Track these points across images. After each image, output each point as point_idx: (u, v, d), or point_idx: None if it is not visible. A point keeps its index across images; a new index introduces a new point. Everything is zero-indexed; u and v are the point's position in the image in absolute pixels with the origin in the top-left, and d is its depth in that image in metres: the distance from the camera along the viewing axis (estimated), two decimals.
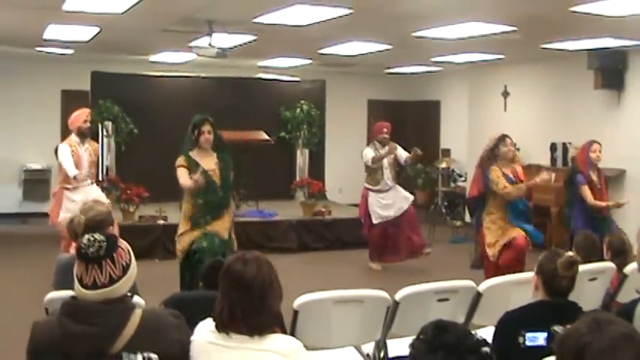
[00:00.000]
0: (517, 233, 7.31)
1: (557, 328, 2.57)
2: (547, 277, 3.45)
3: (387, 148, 9.59)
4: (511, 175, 7.40)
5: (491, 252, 7.37)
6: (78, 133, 8.33)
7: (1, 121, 13.45)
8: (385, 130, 9.70)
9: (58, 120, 13.86)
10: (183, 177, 6.43)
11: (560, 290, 3.45)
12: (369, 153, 9.61)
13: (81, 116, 8.45)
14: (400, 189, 9.93)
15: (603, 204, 7.67)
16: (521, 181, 7.44)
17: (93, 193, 8.22)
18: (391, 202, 9.79)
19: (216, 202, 6.58)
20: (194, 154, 6.58)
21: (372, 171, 9.72)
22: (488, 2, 7.18)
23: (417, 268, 9.77)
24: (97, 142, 11.59)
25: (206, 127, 6.54)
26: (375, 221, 9.70)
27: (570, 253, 3.53)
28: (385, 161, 9.64)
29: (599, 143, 7.81)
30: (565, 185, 8.26)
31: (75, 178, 8.08)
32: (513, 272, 6.33)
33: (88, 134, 8.50)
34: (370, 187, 9.77)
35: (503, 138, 7.46)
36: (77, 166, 8.13)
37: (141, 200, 10.59)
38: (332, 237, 11.35)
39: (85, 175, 8.21)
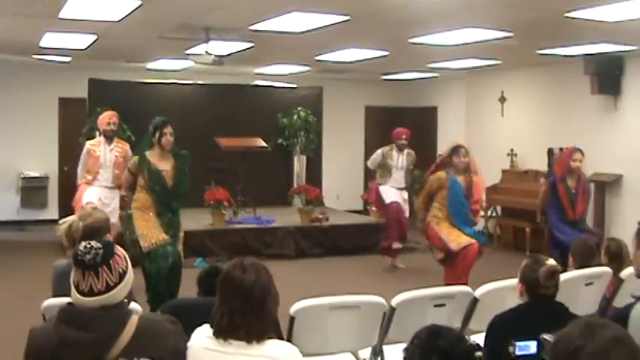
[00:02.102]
0: (467, 241, 7.52)
1: (547, 337, 2.60)
2: (530, 286, 3.57)
3: (405, 152, 10.21)
4: (463, 184, 7.56)
5: (455, 244, 7.53)
6: (104, 135, 8.63)
7: None
8: (404, 136, 10.19)
9: (55, 127, 13.89)
10: (126, 183, 7.01)
11: (545, 296, 3.57)
12: (378, 154, 10.29)
13: (104, 119, 8.66)
14: (406, 195, 10.36)
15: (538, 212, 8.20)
16: (471, 193, 7.64)
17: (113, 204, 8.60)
18: (406, 201, 10.34)
19: (163, 203, 6.72)
20: (150, 154, 6.72)
21: (382, 168, 10.24)
22: (484, 8, 7.19)
23: (413, 274, 9.78)
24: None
25: (168, 129, 6.70)
26: (387, 201, 10.13)
27: (551, 262, 3.63)
28: (399, 163, 10.19)
29: (582, 152, 7.91)
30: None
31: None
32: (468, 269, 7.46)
33: (113, 136, 8.67)
34: (380, 182, 10.32)
35: (456, 149, 7.60)
36: (95, 165, 8.54)
37: None
38: (329, 243, 11.35)
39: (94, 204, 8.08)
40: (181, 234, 7.01)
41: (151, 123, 6.88)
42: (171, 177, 6.69)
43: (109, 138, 8.62)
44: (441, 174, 7.61)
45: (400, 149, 10.19)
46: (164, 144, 6.69)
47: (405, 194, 10.40)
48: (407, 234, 10.37)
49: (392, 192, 10.18)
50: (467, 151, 7.56)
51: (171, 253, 6.59)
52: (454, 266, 7.65)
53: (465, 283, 6.90)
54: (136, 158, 6.79)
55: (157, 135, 6.69)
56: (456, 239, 7.56)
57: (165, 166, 6.71)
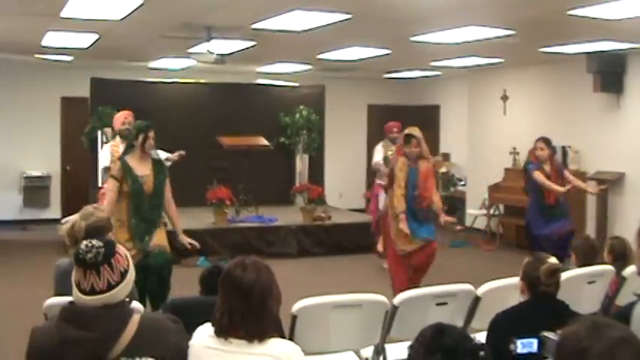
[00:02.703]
0: (414, 247, 7.52)
1: (548, 334, 2.59)
2: (531, 284, 3.60)
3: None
4: (415, 172, 7.59)
5: (401, 245, 7.53)
6: (119, 135, 8.44)
7: (0, 127, 13.46)
8: (395, 129, 9.87)
9: (57, 127, 13.91)
10: (110, 191, 6.48)
11: (546, 293, 3.59)
12: (378, 155, 9.98)
13: (119, 118, 8.52)
14: None
15: (559, 189, 8.29)
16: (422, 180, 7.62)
17: None
18: None
19: (145, 209, 6.53)
20: (129, 158, 6.59)
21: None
22: (486, 6, 7.18)
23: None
24: (98, 150, 11.64)
25: (151, 134, 6.61)
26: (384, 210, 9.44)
27: (553, 260, 3.62)
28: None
29: (544, 141, 8.56)
30: (524, 179, 9.05)
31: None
32: (421, 272, 7.63)
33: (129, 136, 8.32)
34: (383, 183, 9.49)
35: (408, 138, 7.64)
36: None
37: None
38: (332, 242, 11.34)
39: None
40: (185, 240, 6.79)
41: (134, 126, 6.91)
42: (151, 182, 6.56)
43: (125, 138, 8.15)
44: (404, 158, 7.63)
45: (393, 143, 9.47)
46: (147, 148, 6.62)
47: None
48: None
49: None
50: (418, 141, 7.62)
51: (146, 265, 6.33)
52: (403, 268, 7.68)
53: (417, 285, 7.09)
54: (118, 163, 6.59)
55: (141, 139, 6.59)
56: (403, 244, 7.55)
57: (144, 170, 6.58)
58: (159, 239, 6.55)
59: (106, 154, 8.49)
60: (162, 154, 8.44)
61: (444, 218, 7.64)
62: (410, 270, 7.63)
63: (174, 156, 8.77)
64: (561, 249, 7.35)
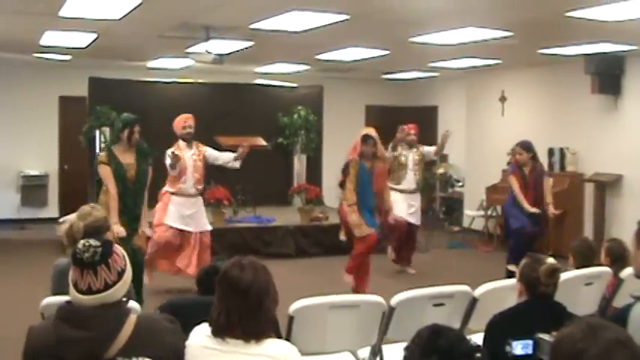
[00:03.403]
0: (369, 231, 8.02)
1: (543, 336, 2.60)
2: (530, 285, 3.59)
3: (414, 150, 9.77)
4: (370, 171, 8.05)
5: (358, 232, 8.00)
6: (182, 139, 8.22)
7: None
8: (413, 131, 9.80)
9: (55, 126, 13.90)
10: (110, 180, 6.94)
11: (544, 294, 3.58)
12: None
13: (179, 123, 8.28)
14: (418, 200, 9.95)
15: (528, 207, 8.66)
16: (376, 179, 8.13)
17: (196, 207, 8.32)
18: (415, 209, 9.85)
19: (129, 194, 7.00)
20: (115, 148, 7.09)
21: (396, 168, 9.68)
22: (484, 8, 7.18)
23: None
24: (96, 149, 11.64)
25: (137, 128, 7.07)
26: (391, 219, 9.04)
27: (551, 261, 3.61)
28: (410, 162, 9.72)
29: (522, 146, 8.89)
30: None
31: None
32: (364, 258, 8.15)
33: (191, 139, 8.26)
34: (392, 185, 9.45)
35: (365, 139, 8.03)
36: (182, 172, 8.09)
37: None
38: (329, 243, 11.32)
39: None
40: (145, 230, 7.23)
41: (121, 119, 7.28)
42: (134, 169, 7.02)
43: (188, 142, 8.22)
44: (356, 158, 8.04)
45: (410, 147, 9.72)
46: (133, 142, 7.06)
47: (417, 199, 9.90)
48: (414, 247, 10.17)
49: (399, 204, 9.43)
50: (375, 141, 7.99)
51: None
52: (355, 253, 8.14)
53: (366, 272, 8.19)
54: (104, 154, 7.10)
55: (127, 132, 7.04)
56: (359, 227, 7.98)
57: (128, 159, 7.04)
58: (138, 240, 7.04)
59: (170, 160, 8.05)
60: (223, 156, 8.56)
61: (390, 217, 8.48)
62: (358, 255, 8.16)
63: (241, 153, 8.47)
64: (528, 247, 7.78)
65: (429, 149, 9.95)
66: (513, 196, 8.86)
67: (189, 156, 8.19)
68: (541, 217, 8.76)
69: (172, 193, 8.19)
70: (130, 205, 6.95)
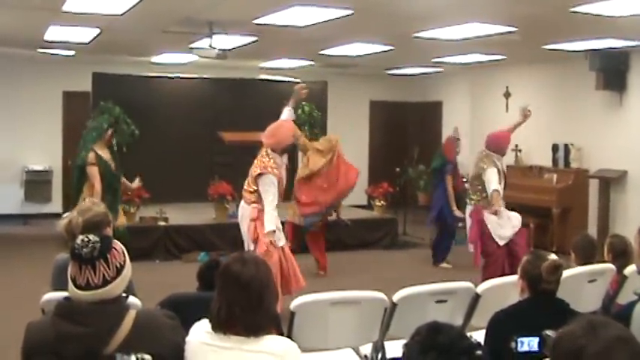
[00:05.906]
0: None
1: (550, 333, 2.58)
2: (532, 282, 3.56)
3: (502, 161, 8.32)
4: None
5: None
6: (281, 151, 7.00)
7: (2, 122, 13.45)
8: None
9: (59, 121, 13.89)
10: (97, 179, 7.80)
11: (546, 291, 3.55)
12: (494, 177, 7.98)
13: (289, 132, 7.25)
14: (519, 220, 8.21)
15: (457, 212, 10.18)
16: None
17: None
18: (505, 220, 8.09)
19: (115, 187, 8.10)
20: (97, 147, 7.96)
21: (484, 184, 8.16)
22: (488, 3, 7.16)
23: (415, 270, 9.77)
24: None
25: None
26: (500, 242, 7.93)
27: (554, 257, 3.59)
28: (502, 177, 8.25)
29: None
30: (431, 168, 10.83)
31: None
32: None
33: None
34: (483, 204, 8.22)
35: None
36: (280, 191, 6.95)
37: (142, 201, 10.55)
38: (332, 238, 11.30)
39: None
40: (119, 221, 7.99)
41: (105, 120, 8.51)
42: (113, 163, 8.04)
43: (284, 153, 7.20)
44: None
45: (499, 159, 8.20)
46: (111, 141, 8.19)
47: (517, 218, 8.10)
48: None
49: (508, 225, 7.99)
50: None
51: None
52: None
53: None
54: (92, 155, 7.85)
55: (110, 133, 8.13)
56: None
57: (106, 155, 8.03)
58: (120, 221, 8.07)
59: (273, 188, 6.81)
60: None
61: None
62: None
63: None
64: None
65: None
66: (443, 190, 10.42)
67: (283, 170, 7.12)
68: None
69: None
70: (116, 192, 8.02)
